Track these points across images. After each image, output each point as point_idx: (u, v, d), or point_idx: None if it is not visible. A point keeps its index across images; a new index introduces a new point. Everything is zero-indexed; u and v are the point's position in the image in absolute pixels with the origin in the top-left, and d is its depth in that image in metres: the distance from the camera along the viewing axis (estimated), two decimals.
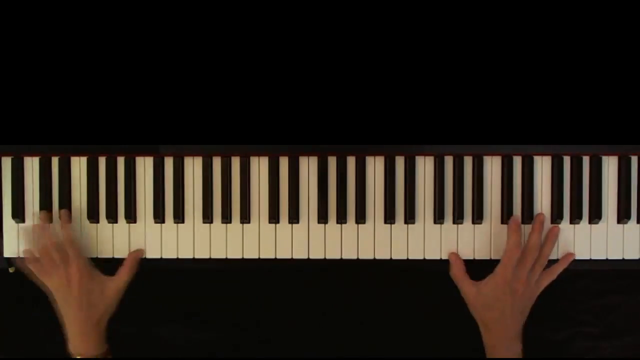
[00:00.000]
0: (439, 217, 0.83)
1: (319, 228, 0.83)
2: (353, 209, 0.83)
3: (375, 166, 0.83)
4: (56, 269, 0.79)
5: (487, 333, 0.79)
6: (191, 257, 0.84)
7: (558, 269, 0.81)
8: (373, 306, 0.87)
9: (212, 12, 0.75)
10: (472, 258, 0.83)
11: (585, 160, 0.83)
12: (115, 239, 0.84)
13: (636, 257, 0.83)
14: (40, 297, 0.89)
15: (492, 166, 0.83)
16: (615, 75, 0.76)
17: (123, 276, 0.81)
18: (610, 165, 0.83)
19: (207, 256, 0.84)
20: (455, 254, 0.82)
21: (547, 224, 0.83)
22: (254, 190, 0.84)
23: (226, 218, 0.83)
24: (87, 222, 0.84)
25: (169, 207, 0.84)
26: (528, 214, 0.82)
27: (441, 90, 0.77)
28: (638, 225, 0.83)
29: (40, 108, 0.77)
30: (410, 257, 0.83)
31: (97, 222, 0.84)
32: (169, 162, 0.84)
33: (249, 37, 0.76)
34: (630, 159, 0.83)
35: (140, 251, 0.83)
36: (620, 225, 0.83)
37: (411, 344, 0.87)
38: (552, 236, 0.81)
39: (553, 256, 0.82)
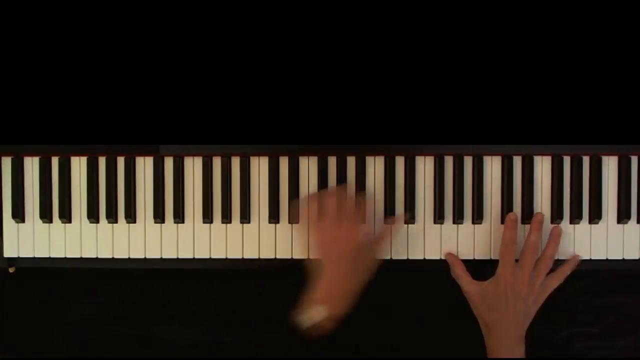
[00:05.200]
0: (438, 217, 0.83)
1: None
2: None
3: (375, 166, 0.83)
4: (338, 226, 0.77)
5: (488, 334, 0.79)
6: (191, 257, 0.84)
7: (566, 272, 0.80)
8: (373, 306, 0.87)
9: (212, 12, 0.75)
10: (472, 258, 0.83)
11: (585, 160, 0.83)
12: (115, 239, 0.84)
13: (636, 257, 0.83)
14: (40, 297, 0.89)
15: (492, 166, 0.83)
16: (615, 75, 0.76)
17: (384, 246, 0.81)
18: (610, 165, 0.83)
19: (207, 256, 0.84)
20: (452, 254, 0.82)
21: (547, 223, 0.83)
22: (254, 190, 0.84)
23: (226, 218, 0.83)
24: (87, 222, 0.84)
25: (169, 207, 0.84)
26: (528, 214, 0.82)
27: (441, 90, 0.77)
28: (638, 225, 0.83)
29: (40, 108, 0.77)
30: (410, 257, 0.83)
31: (97, 222, 0.84)
32: (169, 162, 0.84)
33: (249, 37, 0.76)
34: (630, 159, 0.83)
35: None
36: (620, 225, 0.83)
37: (411, 344, 0.87)
38: (555, 237, 0.81)
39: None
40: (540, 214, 0.82)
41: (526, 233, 0.81)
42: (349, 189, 0.79)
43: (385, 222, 0.82)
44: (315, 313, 0.76)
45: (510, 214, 0.81)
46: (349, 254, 0.76)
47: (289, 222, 0.84)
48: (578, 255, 0.82)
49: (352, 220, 0.77)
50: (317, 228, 0.79)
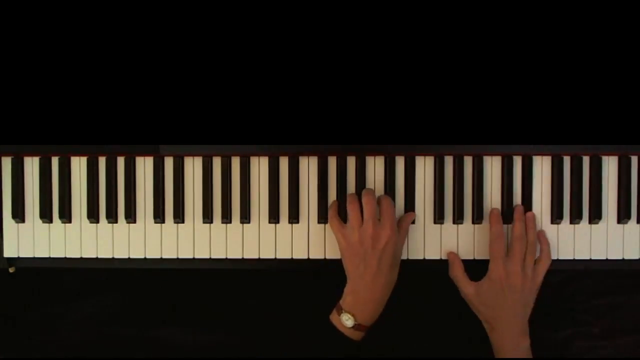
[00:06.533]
0: (438, 217, 0.83)
1: (319, 228, 0.83)
2: None
3: (375, 166, 0.83)
4: (364, 227, 0.77)
5: (492, 332, 0.79)
6: (191, 257, 0.84)
7: (546, 248, 0.81)
8: None
9: (212, 11, 0.75)
10: (472, 258, 0.83)
11: (585, 160, 0.83)
12: (115, 239, 0.84)
13: (636, 257, 0.83)
14: (40, 297, 0.89)
15: (492, 166, 0.83)
16: (615, 75, 0.76)
17: (403, 240, 0.81)
18: (610, 165, 0.83)
19: (207, 256, 0.84)
20: (454, 254, 0.82)
21: (547, 224, 0.83)
22: (254, 190, 0.84)
23: (226, 218, 0.83)
24: (87, 222, 0.84)
25: (169, 207, 0.84)
26: None
27: (441, 90, 0.77)
28: (638, 225, 0.83)
29: (40, 108, 0.77)
30: (410, 257, 0.83)
31: (97, 222, 0.84)
32: (169, 162, 0.84)
33: (249, 37, 0.76)
34: (630, 159, 0.83)
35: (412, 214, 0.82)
36: (620, 225, 0.83)
37: (411, 344, 0.87)
38: (529, 222, 0.81)
39: (552, 256, 0.82)
40: (520, 205, 0.82)
41: (527, 234, 0.81)
42: (371, 192, 0.79)
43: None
44: (343, 321, 0.76)
45: (494, 208, 0.82)
46: (374, 255, 0.76)
47: (289, 222, 0.84)
48: (542, 231, 0.82)
49: (375, 223, 0.77)
50: (341, 232, 0.79)
